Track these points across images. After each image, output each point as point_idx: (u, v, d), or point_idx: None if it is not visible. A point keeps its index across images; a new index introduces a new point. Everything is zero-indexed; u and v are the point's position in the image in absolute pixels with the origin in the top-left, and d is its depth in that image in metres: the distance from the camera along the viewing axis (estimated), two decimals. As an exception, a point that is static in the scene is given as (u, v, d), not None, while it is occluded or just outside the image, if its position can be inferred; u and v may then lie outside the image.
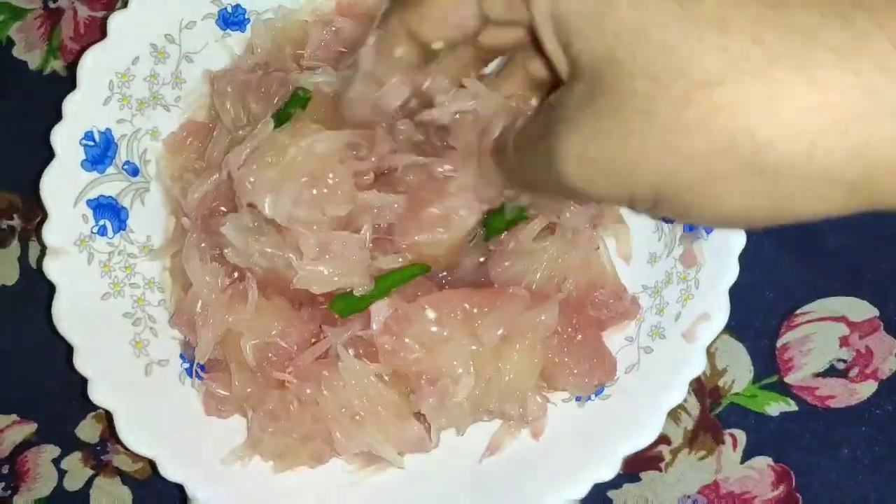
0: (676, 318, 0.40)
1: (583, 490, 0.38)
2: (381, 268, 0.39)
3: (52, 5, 0.51)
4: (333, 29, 0.44)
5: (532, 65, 0.35)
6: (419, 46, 0.33)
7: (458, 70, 0.35)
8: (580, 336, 0.40)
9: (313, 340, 0.40)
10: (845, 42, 0.22)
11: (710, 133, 0.23)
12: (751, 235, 0.40)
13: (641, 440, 0.39)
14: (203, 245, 0.41)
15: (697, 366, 0.39)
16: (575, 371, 0.40)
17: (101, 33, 0.42)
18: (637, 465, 0.44)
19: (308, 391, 0.39)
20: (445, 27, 0.32)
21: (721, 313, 0.39)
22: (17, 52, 0.50)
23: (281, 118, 0.40)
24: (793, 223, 0.25)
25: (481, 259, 0.41)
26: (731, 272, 0.39)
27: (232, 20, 0.45)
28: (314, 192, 0.38)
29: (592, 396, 0.41)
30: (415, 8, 0.32)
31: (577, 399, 0.42)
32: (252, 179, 0.38)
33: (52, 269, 0.40)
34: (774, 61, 0.23)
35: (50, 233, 0.41)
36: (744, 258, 0.39)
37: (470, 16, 0.31)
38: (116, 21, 0.42)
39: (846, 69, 0.22)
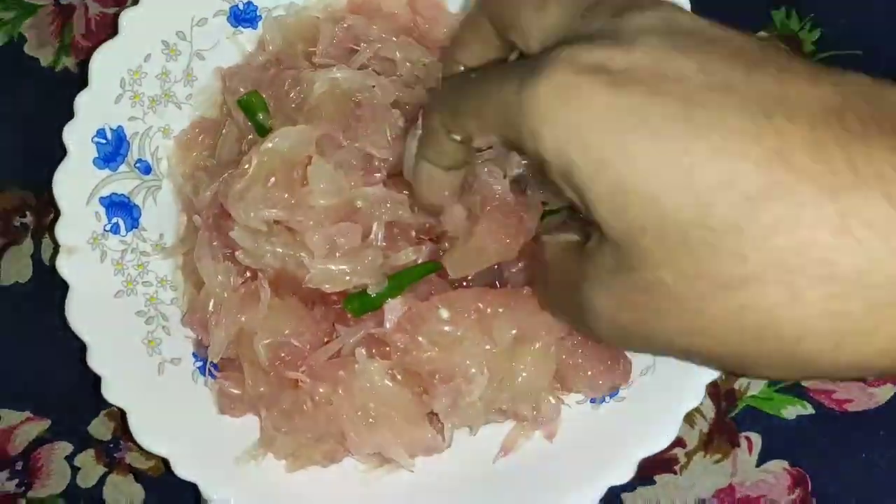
0: (693, 321, 0.40)
1: (598, 493, 0.38)
2: (394, 265, 0.39)
3: (63, 2, 0.50)
4: (345, 26, 0.43)
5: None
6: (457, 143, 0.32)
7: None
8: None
9: (326, 339, 0.40)
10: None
11: (740, 328, 0.25)
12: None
13: (657, 444, 0.38)
14: (215, 244, 0.41)
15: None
16: (589, 373, 0.39)
17: (113, 30, 0.42)
18: (651, 468, 0.43)
19: (321, 390, 0.38)
20: (469, 136, 0.31)
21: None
22: (29, 48, 0.50)
23: (260, 132, 0.41)
24: None
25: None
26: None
27: (244, 17, 0.45)
28: (285, 194, 0.38)
29: (607, 399, 0.41)
30: (445, 112, 0.32)
31: (592, 401, 0.41)
32: (227, 192, 0.38)
33: (65, 267, 0.40)
34: (790, 271, 0.23)
35: (63, 231, 0.41)
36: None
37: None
38: (128, 18, 0.42)
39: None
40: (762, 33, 0.47)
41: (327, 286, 0.38)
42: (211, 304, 0.41)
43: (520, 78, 0.27)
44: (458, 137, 0.31)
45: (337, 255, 0.38)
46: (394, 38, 0.43)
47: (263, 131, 0.41)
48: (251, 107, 0.41)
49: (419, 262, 0.39)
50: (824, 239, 0.23)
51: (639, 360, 0.41)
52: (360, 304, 0.39)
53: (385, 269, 0.39)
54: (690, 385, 0.39)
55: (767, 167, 0.23)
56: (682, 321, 0.26)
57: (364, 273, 0.38)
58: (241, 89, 0.42)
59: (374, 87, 0.40)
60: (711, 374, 0.39)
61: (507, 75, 0.28)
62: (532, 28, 0.30)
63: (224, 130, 0.43)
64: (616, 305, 0.27)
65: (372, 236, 0.39)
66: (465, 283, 0.40)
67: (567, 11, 0.29)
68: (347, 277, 0.38)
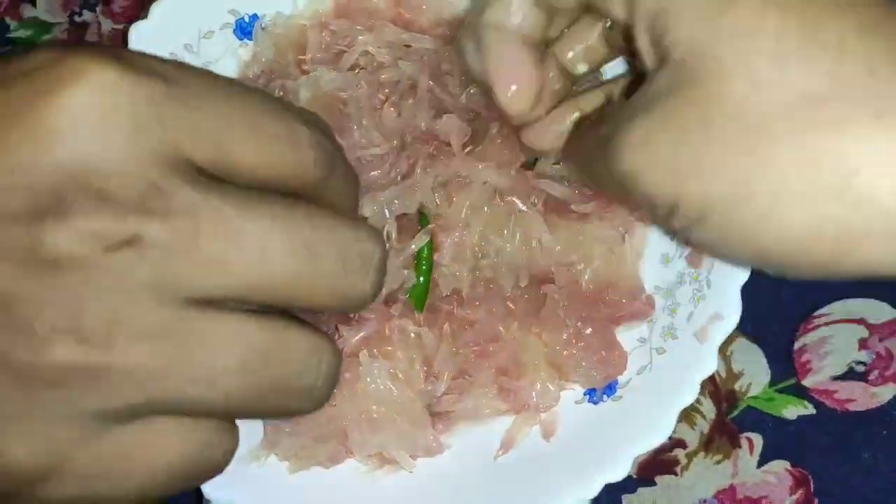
0: (689, 319, 0.40)
1: (594, 490, 0.38)
2: (411, 254, 0.40)
3: (77, 19, 0.52)
4: (332, 30, 0.44)
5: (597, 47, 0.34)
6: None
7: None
8: (590, 329, 0.40)
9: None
10: None
11: (803, 153, 0.22)
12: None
13: (653, 440, 0.38)
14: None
15: (709, 366, 0.39)
16: (584, 363, 0.40)
17: (124, 45, 0.44)
18: (652, 469, 0.43)
19: (322, 391, 0.39)
20: None
21: (733, 313, 0.39)
22: (46, 64, 0.52)
23: None
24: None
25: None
26: (743, 272, 0.39)
27: (248, 29, 0.46)
28: None
29: (605, 398, 0.41)
30: None
31: (591, 400, 0.41)
32: None
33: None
34: (886, 98, 0.22)
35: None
36: (757, 258, 0.39)
37: None
38: (137, 32, 0.43)
39: None
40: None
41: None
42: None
43: None
44: None
45: None
46: (374, 36, 0.44)
47: None
48: None
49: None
50: None
51: (635, 360, 0.41)
52: (417, 297, 0.40)
53: (406, 262, 0.40)
54: (686, 381, 0.39)
55: None
56: (728, 145, 0.23)
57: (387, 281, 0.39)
58: None
59: (358, 85, 0.41)
60: (707, 371, 0.39)
61: None
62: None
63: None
64: (653, 125, 0.25)
65: (385, 234, 0.40)
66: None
67: None
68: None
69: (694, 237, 0.26)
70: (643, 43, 0.27)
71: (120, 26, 0.52)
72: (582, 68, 0.34)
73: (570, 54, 0.34)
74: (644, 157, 0.25)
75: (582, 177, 0.34)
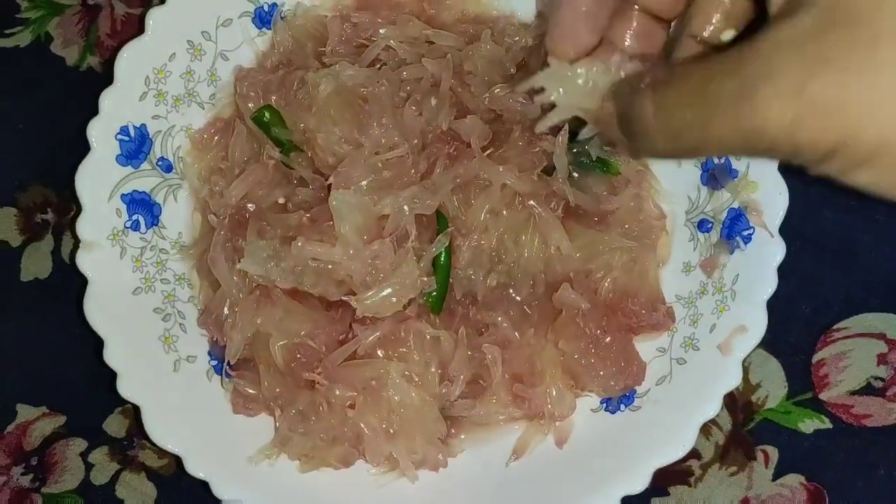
0: (711, 330, 0.39)
1: (612, 502, 0.38)
2: (431, 258, 0.39)
3: (90, 2, 0.51)
4: (353, 23, 0.44)
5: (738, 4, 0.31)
6: None
7: None
8: (609, 338, 0.40)
9: (341, 337, 0.40)
10: None
11: None
12: (788, 247, 0.39)
13: (673, 454, 0.38)
14: (228, 244, 0.41)
15: (733, 379, 0.38)
16: (602, 373, 0.39)
17: (139, 30, 0.43)
18: (666, 479, 0.43)
19: (338, 393, 0.38)
20: None
21: (758, 326, 0.38)
22: (55, 47, 0.50)
23: (286, 148, 0.42)
24: None
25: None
26: (770, 284, 0.38)
27: (267, 19, 0.45)
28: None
29: (622, 407, 0.41)
30: None
31: (607, 409, 0.41)
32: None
33: (86, 262, 0.40)
34: None
35: (84, 226, 0.41)
36: (780, 270, 0.39)
37: None
38: (154, 16, 0.42)
39: None
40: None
41: (380, 314, 0.39)
42: (227, 305, 0.41)
43: None
44: None
45: (380, 277, 0.38)
46: (397, 31, 0.43)
47: (280, 144, 0.42)
48: (264, 123, 0.42)
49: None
50: None
51: (654, 369, 0.41)
52: (435, 301, 0.40)
53: (425, 269, 0.39)
54: (708, 395, 0.38)
55: None
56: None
57: (406, 289, 0.38)
58: (252, 94, 0.42)
59: (380, 82, 0.40)
60: (729, 384, 0.38)
61: None
62: None
63: (235, 131, 0.43)
64: (807, 73, 0.23)
65: (399, 234, 0.39)
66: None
67: None
68: (394, 299, 0.38)
69: (853, 180, 0.24)
70: None
71: (133, 10, 0.50)
72: (728, 36, 0.31)
73: (711, 27, 0.31)
74: (801, 104, 0.23)
75: (630, 144, 0.30)
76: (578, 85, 0.32)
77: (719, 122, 0.25)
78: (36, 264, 0.48)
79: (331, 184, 0.39)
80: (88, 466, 0.45)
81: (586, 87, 0.32)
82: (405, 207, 0.39)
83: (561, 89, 0.33)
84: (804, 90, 0.23)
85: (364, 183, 0.39)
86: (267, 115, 0.41)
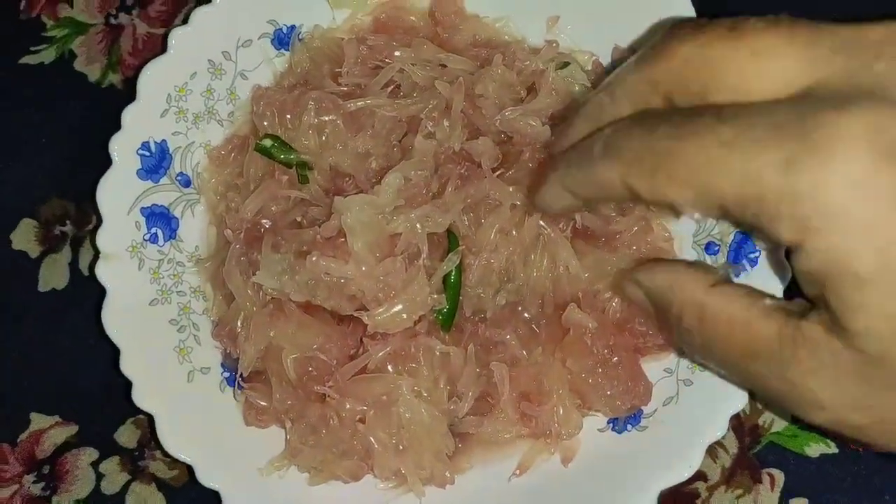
0: (718, 352, 0.40)
1: (618, 522, 0.38)
2: (443, 274, 0.40)
3: (113, 21, 0.52)
4: (369, 46, 0.45)
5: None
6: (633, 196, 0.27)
7: None
8: (616, 358, 0.40)
9: (352, 352, 0.41)
10: None
11: None
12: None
13: (679, 475, 0.38)
14: (243, 258, 0.42)
15: (739, 400, 0.38)
16: (609, 392, 0.40)
17: (160, 49, 0.44)
18: (672, 501, 0.43)
19: (349, 407, 0.39)
20: (671, 203, 0.26)
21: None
22: (78, 64, 0.52)
23: (300, 169, 0.43)
24: None
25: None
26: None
27: (285, 40, 0.46)
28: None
29: (629, 427, 0.41)
30: (640, 172, 0.26)
31: (614, 429, 0.41)
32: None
33: (105, 273, 0.41)
34: None
35: (104, 238, 0.42)
36: (786, 295, 0.39)
37: None
38: (177, 36, 0.43)
39: None
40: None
41: (391, 329, 0.39)
42: (240, 318, 0.42)
43: (789, 145, 0.21)
44: (651, 200, 0.25)
45: (392, 293, 0.39)
46: (411, 54, 0.44)
47: (289, 165, 0.43)
48: (268, 152, 0.43)
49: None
50: None
51: (661, 390, 0.41)
52: (445, 319, 0.41)
53: (435, 286, 0.40)
54: (714, 416, 0.39)
55: None
56: None
57: (417, 306, 0.39)
58: (268, 112, 0.44)
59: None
60: (736, 406, 0.39)
61: (764, 136, 0.22)
62: (748, 80, 0.23)
63: (250, 148, 0.44)
64: (850, 406, 0.25)
65: (410, 252, 0.40)
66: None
67: (809, 51, 0.22)
68: (405, 316, 0.39)
69: None
70: (805, 277, 0.24)
71: (155, 30, 0.52)
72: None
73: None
74: (839, 425, 0.27)
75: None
76: None
77: (765, 396, 0.30)
78: (53, 275, 0.49)
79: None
80: (99, 476, 0.46)
81: None
82: (417, 226, 0.40)
83: None
84: (847, 421, 0.26)
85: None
86: (269, 143, 0.43)
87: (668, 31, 0.26)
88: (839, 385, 0.25)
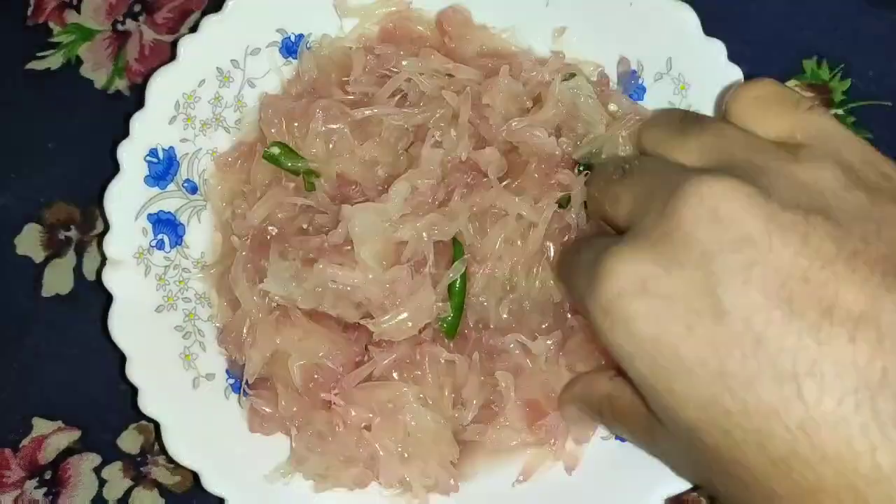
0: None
1: (622, 530, 0.38)
2: (449, 283, 0.40)
3: (120, 28, 0.53)
4: (376, 55, 0.45)
5: None
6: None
7: None
8: None
9: (357, 360, 0.41)
10: None
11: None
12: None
13: (682, 483, 0.38)
14: (249, 265, 0.42)
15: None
16: None
17: (167, 56, 0.44)
18: (674, 508, 0.43)
19: (354, 414, 0.39)
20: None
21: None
22: (84, 70, 0.52)
23: (306, 177, 0.43)
24: None
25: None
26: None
27: (293, 48, 0.46)
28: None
29: (633, 435, 0.41)
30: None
31: (617, 437, 0.42)
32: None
33: (111, 279, 0.41)
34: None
35: (111, 244, 0.42)
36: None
37: None
38: (186, 44, 0.44)
39: None
40: (793, 81, 0.49)
41: (396, 337, 0.40)
42: (246, 325, 0.42)
43: (587, 276, 0.31)
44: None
45: (397, 301, 0.39)
46: (419, 63, 0.44)
47: (296, 173, 0.43)
48: (276, 160, 0.43)
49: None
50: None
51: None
52: (449, 327, 0.41)
53: (440, 295, 0.40)
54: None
55: None
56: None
57: (422, 314, 0.39)
58: (275, 120, 0.44)
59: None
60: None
61: (585, 257, 0.33)
62: (616, 218, 0.35)
63: (257, 155, 0.44)
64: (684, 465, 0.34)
65: (416, 260, 0.40)
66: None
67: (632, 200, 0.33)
68: (410, 324, 0.39)
69: None
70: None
71: (161, 37, 0.52)
72: None
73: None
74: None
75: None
76: None
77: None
78: (58, 280, 0.49)
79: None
80: (102, 482, 0.45)
81: None
82: (424, 234, 0.40)
83: None
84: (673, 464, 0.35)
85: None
86: (277, 151, 0.43)
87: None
88: (667, 445, 0.34)
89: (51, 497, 0.45)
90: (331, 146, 0.43)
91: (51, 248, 0.49)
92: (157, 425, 0.40)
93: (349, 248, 0.40)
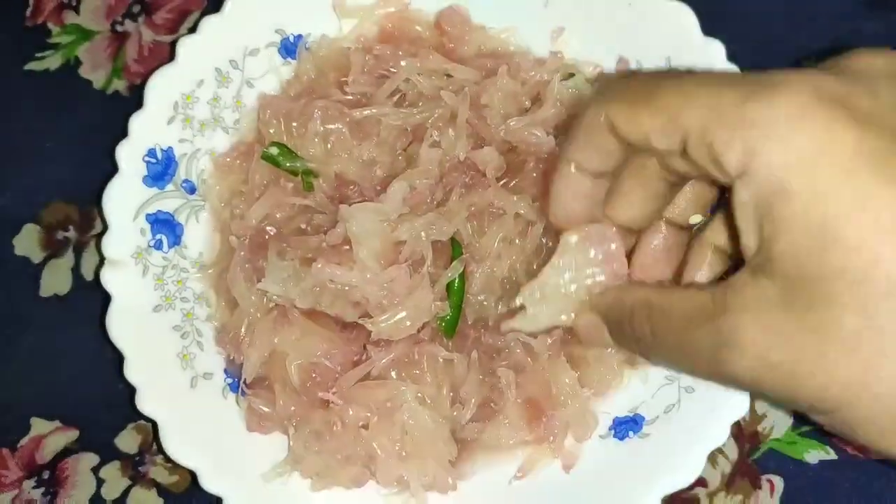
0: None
1: (620, 528, 0.38)
2: (447, 282, 0.40)
3: (118, 29, 0.53)
4: (375, 55, 0.45)
5: (704, 195, 0.35)
6: (620, 143, 0.31)
7: (644, 184, 0.34)
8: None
9: (355, 359, 0.41)
10: None
11: None
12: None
13: (680, 481, 0.39)
14: (248, 265, 0.42)
15: (740, 408, 0.39)
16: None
17: (168, 56, 0.44)
18: (672, 507, 0.43)
19: (352, 413, 0.39)
20: (645, 135, 0.29)
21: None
22: (84, 71, 0.52)
23: (304, 177, 0.43)
24: None
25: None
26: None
27: (292, 49, 0.47)
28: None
29: (630, 433, 0.41)
30: (621, 104, 0.30)
31: (615, 435, 0.42)
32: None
33: (110, 279, 0.41)
34: None
35: (109, 244, 0.42)
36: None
37: (669, 141, 0.29)
38: (185, 45, 0.44)
39: None
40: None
41: (394, 337, 0.40)
42: (244, 324, 0.42)
43: (748, 88, 0.26)
44: (628, 134, 0.30)
45: (395, 300, 0.39)
46: (417, 63, 0.44)
47: (295, 173, 0.43)
48: (274, 160, 0.43)
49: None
50: None
51: (663, 397, 0.41)
52: (448, 326, 0.41)
53: (439, 294, 0.40)
54: (716, 423, 0.39)
55: None
56: (850, 371, 0.25)
57: (420, 313, 0.39)
58: (274, 120, 0.44)
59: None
60: (737, 413, 0.39)
61: (730, 82, 0.27)
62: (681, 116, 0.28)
63: (256, 156, 0.44)
64: (771, 341, 0.26)
65: (414, 259, 0.40)
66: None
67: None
68: (408, 323, 0.39)
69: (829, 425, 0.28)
70: (745, 229, 0.27)
71: (160, 37, 0.52)
72: (696, 219, 0.36)
73: (679, 210, 0.36)
74: (761, 373, 0.27)
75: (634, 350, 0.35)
76: (558, 296, 0.36)
77: (701, 365, 0.29)
78: (56, 280, 0.49)
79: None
80: (100, 482, 0.45)
81: (566, 299, 0.35)
82: (422, 233, 0.40)
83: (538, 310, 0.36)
84: (767, 359, 0.27)
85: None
86: (275, 151, 0.43)
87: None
88: (760, 321, 0.27)
89: (49, 497, 0.45)
90: (329, 146, 0.43)
91: (49, 249, 0.49)
92: (155, 425, 0.40)
93: (347, 247, 0.40)
